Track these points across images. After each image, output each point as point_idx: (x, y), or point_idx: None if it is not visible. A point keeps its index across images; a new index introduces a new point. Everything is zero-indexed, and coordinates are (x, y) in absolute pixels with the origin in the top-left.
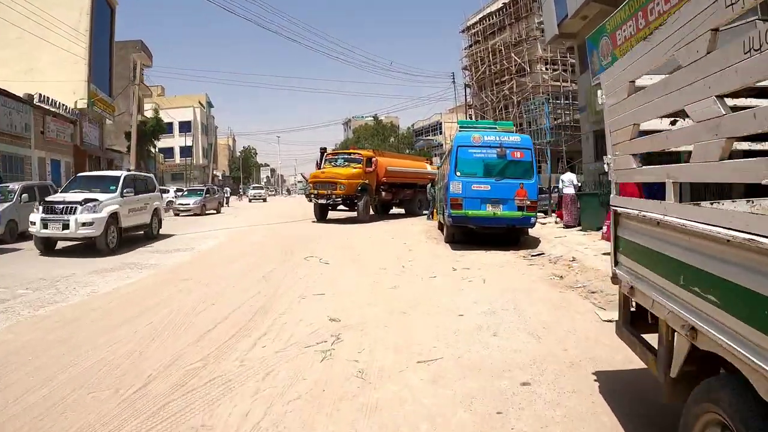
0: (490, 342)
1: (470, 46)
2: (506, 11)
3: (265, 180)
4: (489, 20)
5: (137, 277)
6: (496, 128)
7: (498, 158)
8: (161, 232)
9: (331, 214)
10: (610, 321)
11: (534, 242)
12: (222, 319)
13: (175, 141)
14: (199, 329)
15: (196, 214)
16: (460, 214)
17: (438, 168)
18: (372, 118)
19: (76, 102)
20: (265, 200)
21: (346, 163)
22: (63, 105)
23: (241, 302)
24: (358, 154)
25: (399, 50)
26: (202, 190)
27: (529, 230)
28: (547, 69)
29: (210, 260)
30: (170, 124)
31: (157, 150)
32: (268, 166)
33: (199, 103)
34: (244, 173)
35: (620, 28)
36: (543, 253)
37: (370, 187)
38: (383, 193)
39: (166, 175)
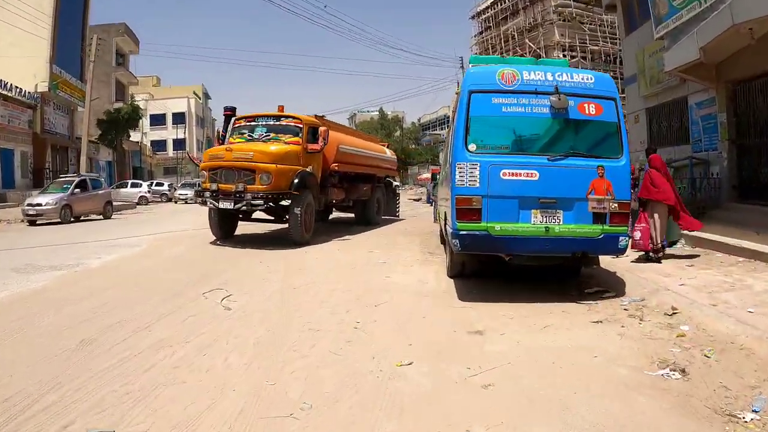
0: None
1: (481, 32)
2: None
3: None
4: (501, 4)
5: None
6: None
7: (552, 116)
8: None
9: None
10: None
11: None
12: None
13: (168, 133)
14: None
15: (51, 222)
16: (479, 231)
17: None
18: (377, 112)
19: (36, 85)
20: None
21: (273, 136)
22: (17, 88)
23: None
24: (295, 119)
25: (403, 34)
26: (70, 182)
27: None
28: (564, 55)
29: (58, 294)
30: (163, 116)
31: (144, 141)
32: None
33: (194, 93)
34: None
35: None
36: (607, 291)
37: (315, 178)
38: (333, 190)
39: (158, 169)
